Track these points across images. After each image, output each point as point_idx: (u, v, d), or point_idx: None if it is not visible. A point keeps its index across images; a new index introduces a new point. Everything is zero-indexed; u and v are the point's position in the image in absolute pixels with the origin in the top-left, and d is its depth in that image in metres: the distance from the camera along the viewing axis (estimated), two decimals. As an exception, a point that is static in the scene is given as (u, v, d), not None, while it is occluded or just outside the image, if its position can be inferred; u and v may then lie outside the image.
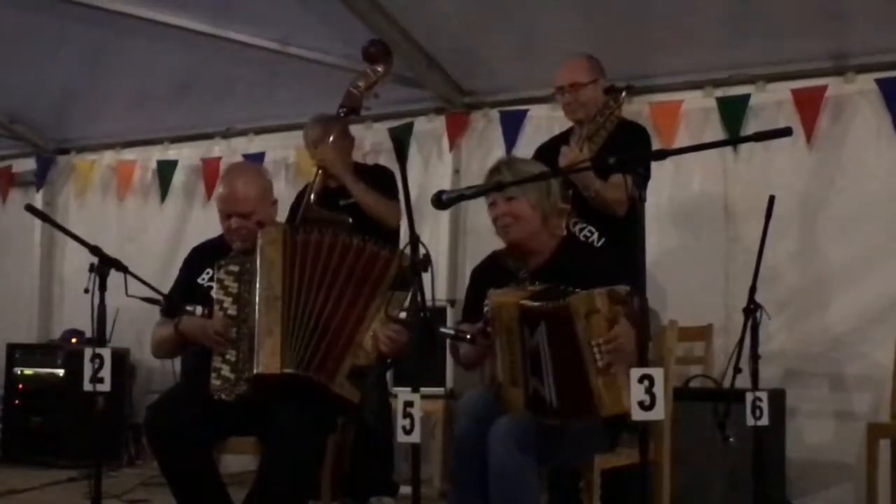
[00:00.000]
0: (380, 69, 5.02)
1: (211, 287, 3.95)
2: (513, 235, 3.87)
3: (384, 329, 3.85)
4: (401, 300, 3.87)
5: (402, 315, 3.89)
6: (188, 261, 4.23)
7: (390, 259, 3.90)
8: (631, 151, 4.25)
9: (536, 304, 3.55)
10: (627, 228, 4.12)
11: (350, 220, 4.75)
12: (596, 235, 4.59)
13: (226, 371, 3.83)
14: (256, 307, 3.81)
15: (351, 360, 3.82)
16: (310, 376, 3.78)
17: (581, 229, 4.60)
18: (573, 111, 4.76)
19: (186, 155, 7.52)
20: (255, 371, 3.76)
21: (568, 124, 6.04)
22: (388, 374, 5.38)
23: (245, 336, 3.83)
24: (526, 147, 6.14)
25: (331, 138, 5.06)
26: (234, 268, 3.91)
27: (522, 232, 3.86)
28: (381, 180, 5.11)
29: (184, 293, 4.07)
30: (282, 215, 5.35)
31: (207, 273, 4.06)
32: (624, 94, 4.62)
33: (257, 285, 3.83)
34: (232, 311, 3.87)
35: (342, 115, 5.00)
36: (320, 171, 5.03)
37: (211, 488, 3.88)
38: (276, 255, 3.85)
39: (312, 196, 4.95)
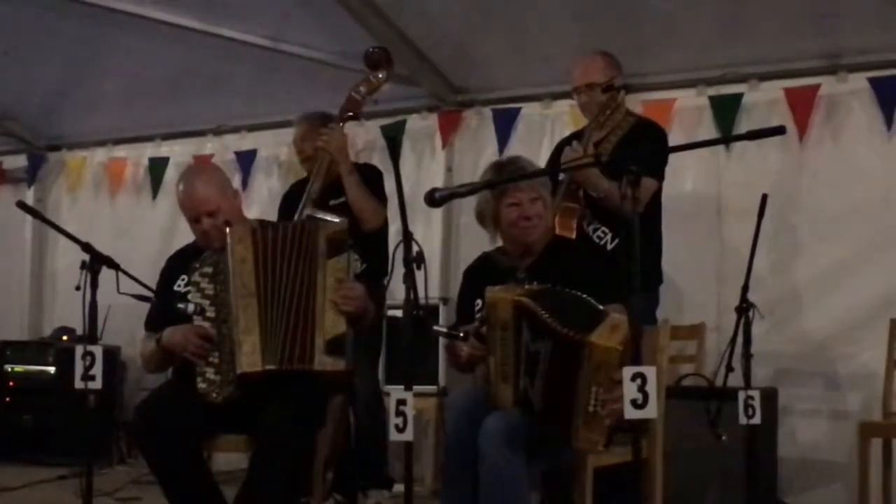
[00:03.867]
0: (381, 75, 4.99)
1: (188, 292, 3.93)
2: (536, 235, 3.89)
3: (338, 292, 3.83)
4: (342, 264, 3.87)
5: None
6: (164, 271, 4.21)
7: (314, 229, 3.91)
8: (646, 153, 4.26)
9: (545, 315, 3.52)
10: (642, 229, 4.12)
11: (344, 219, 4.69)
12: (609, 237, 4.58)
13: (210, 374, 3.82)
14: (233, 307, 3.82)
15: (321, 336, 3.81)
16: (292, 369, 3.79)
17: (595, 230, 4.60)
18: (591, 111, 4.71)
19: (178, 152, 7.50)
20: (237, 371, 3.77)
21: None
22: (381, 371, 5.40)
23: (225, 337, 3.83)
24: (518, 145, 6.16)
25: (339, 126, 5.01)
26: (208, 269, 3.90)
27: (542, 231, 3.91)
28: (369, 178, 5.09)
29: (163, 304, 4.05)
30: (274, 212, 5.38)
31: (182, 279, 4.04)
32: (622, 94, 4.60)
33: (231, 284, 3.83)
34: (210, 314, 3.86)
35: (346, 118, 4.99)
36: (326, 158, 4.97)
37: (201, 486, 3.87)
38: (246, 252, 3.85)
39: (313, 192, 4.91)
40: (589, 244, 4.54)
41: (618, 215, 4.45)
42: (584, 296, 3.61)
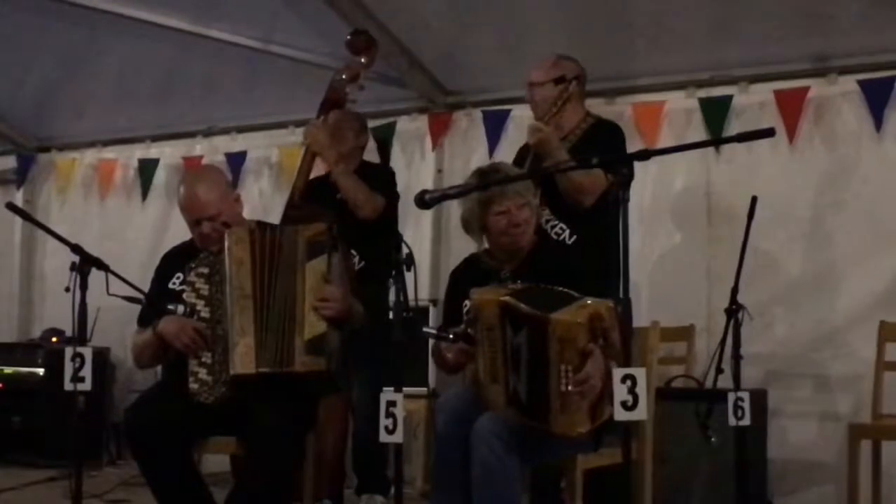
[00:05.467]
0: (363, 60, 4.93)
1: (182, 291, 3.94)
2: (525, 241, 3.90)
3: (318, 295, 3.83)
4: (322, 266, 3.86)
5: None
6: (159, 268, 4.20)
7: (294, 232, 3.91)
8: (603, 150, 4.24)
9: (522, 305, 3.54)
10: (599, 226, 4.12)
11: (333, 214, 4.67)
12: (567, 233, 4.57)
13: (203, 374, 3.83)
14: (228, 308, 3.82)
15: (300, 337, 3.81)
16: (282, 372, 3.80)
17: (553, 226, 4.58)
18: (534, 110, 4.72)
19: (168, 153, 7.49)
20: (231, 372, 3.77)
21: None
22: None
23: (220, 338, 3.83)
24: (509, 147, 6.13)
25: (321, 121, 4.99)
26: (204, 269, 3.90)
27: (530, 236, 3.91)
28: (378, 175, 5.07)
29: (157, 301, 4.04)
30: (268, 212, 5.35)
31: (178, 277, 4.04)
32: (573, 84, 4.57)
33: (228, 286, 3.84)
34: (205, 314, 3.87)
35: (323, 108, 4.95)
36: (307, 155, 4.95)
37: (192, 488, 3.87)
38: (244, 254, 3.86)
39: (297, 194, 4.89)
40: (547, 239, 4.52)
41: (574, 211, 4.45)
42: (569, 291, 3.60)
